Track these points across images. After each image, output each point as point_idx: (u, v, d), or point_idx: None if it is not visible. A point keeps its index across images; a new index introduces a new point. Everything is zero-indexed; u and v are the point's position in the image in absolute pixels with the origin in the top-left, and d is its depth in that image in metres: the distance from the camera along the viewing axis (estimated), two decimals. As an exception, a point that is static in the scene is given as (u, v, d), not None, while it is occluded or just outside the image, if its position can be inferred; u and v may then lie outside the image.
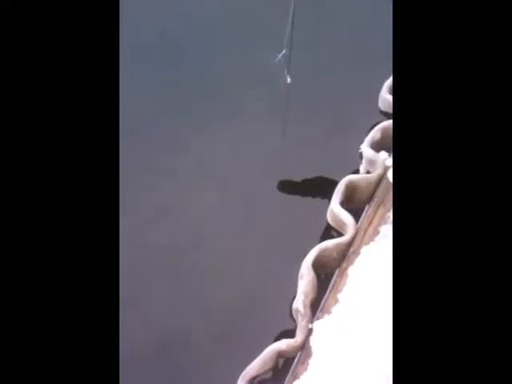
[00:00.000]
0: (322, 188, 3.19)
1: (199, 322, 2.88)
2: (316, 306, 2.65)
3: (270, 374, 2.51)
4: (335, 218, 2.85)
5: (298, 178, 3.34)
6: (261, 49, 3.60)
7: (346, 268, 2.65)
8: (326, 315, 2.54)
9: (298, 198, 3.32)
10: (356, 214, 2.95)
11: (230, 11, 3.88)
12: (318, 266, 2.70)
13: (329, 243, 2.74)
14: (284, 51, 3.28)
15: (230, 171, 3.37)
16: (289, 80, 3.35)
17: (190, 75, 3.65)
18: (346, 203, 2.92)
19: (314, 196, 3.28)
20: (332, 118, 3.50)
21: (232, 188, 3.32)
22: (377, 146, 3.05)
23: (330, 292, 2.64)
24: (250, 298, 2.96)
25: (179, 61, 3.70)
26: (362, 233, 2.77)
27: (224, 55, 3.75)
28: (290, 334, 2.61)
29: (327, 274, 2.78)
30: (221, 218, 3.24)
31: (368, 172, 3.05)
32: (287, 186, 3.34)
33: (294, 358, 2.55)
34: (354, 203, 2.97)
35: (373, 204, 2.88)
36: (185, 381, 2.79)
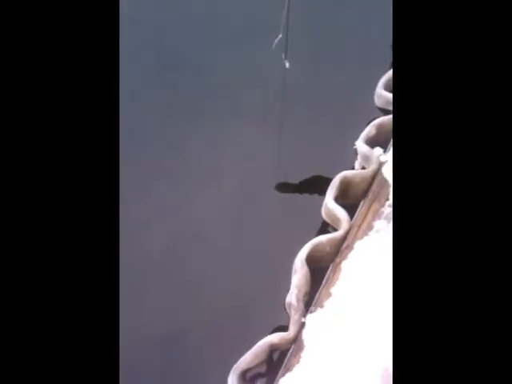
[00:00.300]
0: (319, 185, 3.22)
1: (197, 318, 2.92)
2: (310, 300, 2.71)
3: (263, 367, 2.58)
4: (329, 213, 2.90)
5: (295, 175, 3.38)
6: (258, 43, 3.61)
7: (340, 262, 2.70)
8: (319, 309, 2.59)
9: (295, 195, 3.37)
10: (352, 209, 3.01)
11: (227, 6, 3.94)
12: (311, 260, 2.75)
13: (322, 238, 2.80)
14: (280, 36, 3.29)
15: (228, 170, 3.43)
16: (287, 65, 3.38)
17: (184, 70, 3.68)
18: (342, 199, 2.97)
19: (311, 193, 3.32)
20: (330, 115, 3.54)
21: (229, 186, 3.37)
22: (372, 142, 3.09)
23: (324, 286, 2.69)
24: (248, 293, 3.00)
25: (175, 58, 3.74)
26: (355, 228, 2.81)
27: (221, 53, 3.77)
28: (285, 328, 2.66)
29: (321, 268, 2.83)
30: (218, 216, 3.30)
31: (363, 168, 3.09)
32: (285, 184, 3.40)
33: (287, 352, 2.61)
34: (350, 198, 3.02)
35: (367, 199, 2.93)
36: (181, 376, 2.84)
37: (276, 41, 3.26)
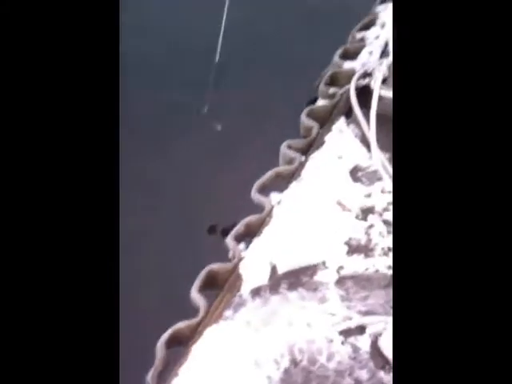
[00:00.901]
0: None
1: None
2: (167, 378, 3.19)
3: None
4: (192, 301, 3.41)
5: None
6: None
7: (191, 345, 3.20)
8: (168, 387, 3.08)
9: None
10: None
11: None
12: (172, 343, 3.25)
13: (182, 324, 3.29)
14: (207, 107, 3.79)
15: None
16: (219, 128, 3.90)
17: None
18: (209, 288, 3.49)
19: None
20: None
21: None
22: (239, 238, 3.62)
23: (174, 366, 3.19)
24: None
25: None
26: (210, 315, 3.31)
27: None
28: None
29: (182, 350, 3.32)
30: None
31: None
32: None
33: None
34: (218, 288, 3.53)
35: (223, 290, 3.43)
36: None
37: (205, 109, 3.78)
